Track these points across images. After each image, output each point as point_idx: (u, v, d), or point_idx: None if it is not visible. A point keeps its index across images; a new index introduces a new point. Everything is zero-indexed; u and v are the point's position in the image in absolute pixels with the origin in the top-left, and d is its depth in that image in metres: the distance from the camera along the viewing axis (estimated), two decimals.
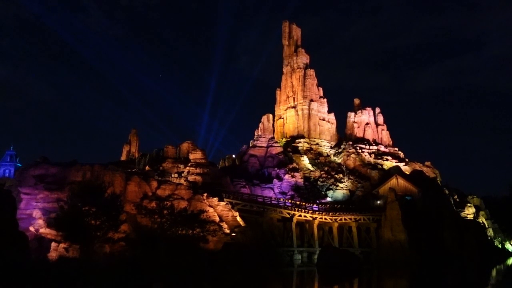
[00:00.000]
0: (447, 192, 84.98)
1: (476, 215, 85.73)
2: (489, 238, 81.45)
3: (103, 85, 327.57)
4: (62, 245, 41.82)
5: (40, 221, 46.01)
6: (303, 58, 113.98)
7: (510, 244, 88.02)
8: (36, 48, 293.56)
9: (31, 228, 45.70)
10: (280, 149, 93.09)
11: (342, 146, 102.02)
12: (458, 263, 61.13)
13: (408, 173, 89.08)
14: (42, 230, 45.35)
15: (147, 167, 74.52)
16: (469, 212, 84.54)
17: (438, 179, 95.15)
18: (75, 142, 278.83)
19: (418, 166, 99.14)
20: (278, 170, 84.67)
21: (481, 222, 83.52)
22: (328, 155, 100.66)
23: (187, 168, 71.98)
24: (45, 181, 52.12)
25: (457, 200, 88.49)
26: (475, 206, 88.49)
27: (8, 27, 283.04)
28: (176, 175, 70.95)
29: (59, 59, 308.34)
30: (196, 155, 74.88)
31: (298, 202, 71.74)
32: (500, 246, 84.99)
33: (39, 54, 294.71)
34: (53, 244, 42.82)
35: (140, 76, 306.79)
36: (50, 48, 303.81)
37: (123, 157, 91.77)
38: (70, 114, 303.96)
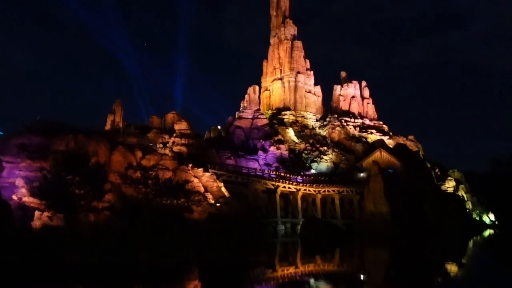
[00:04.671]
0: (429, 165, 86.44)
1: (456, 188, 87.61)
2: (467, 210, 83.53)
3: (88, 54, 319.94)
4: (45, 213, 41.69)
5: (23, 190, 45.57)
6: (291, 30, 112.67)
7: (488, 216, 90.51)
8: (18, 15, 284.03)
9: (14, 197, 45.27)
10: (265, 121, 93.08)
11: (328, 119, 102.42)
12: (438, 234, 62.75)
13: (391, 147, 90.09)
14: (25, 199, 45.00)
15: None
16: (449, 185, 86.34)
17: (420, 153, 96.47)
18: (58, 111, 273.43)
19: (401, 140, 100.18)
20: (263, 142, 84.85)
21: (460, 195, 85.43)
22: (313, 128, 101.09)
23: (172, 138, 71.58)
24: (28, 150, 51.33)
25: (439, 173, 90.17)
26: (456, 180, 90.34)
27: None
28: (161, 145, 70.60)
29: (42, 27, 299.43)
30: (181, 126, 74.40)
31: (282, 174, 72.21)
32: (478, 218, 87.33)
33: (21, 21, 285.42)
34: (37, 213, 42.63)
35: (125, 45, 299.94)
36: (33, 15, 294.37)
37: (108, 127, 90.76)
38: (54, 83, 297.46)
